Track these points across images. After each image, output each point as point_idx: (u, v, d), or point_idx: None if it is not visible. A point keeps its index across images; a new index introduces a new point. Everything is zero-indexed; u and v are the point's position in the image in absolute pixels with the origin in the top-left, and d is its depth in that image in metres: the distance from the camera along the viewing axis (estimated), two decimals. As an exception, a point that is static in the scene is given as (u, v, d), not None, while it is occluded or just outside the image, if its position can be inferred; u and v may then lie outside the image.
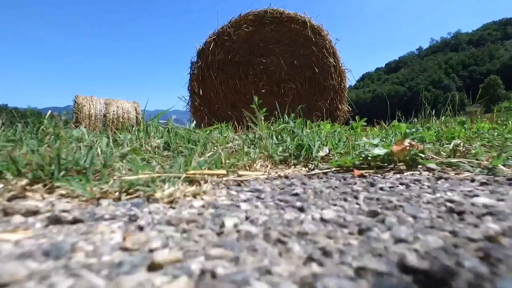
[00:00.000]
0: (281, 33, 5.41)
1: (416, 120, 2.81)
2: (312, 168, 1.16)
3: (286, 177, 1.01)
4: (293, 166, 1.22)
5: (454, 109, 2.73)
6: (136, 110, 7.00)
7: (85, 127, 1.53)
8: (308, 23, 5.31)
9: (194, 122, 1.77)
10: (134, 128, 1.57)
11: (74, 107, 6.38)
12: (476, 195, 0.67)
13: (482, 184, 0.80)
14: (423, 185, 0.82)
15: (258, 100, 1.69)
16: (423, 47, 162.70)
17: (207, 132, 1.60)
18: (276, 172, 1.10)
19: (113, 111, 6.72)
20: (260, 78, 5.57)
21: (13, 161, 0.77)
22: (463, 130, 1.92)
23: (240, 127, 2.34)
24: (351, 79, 5.66)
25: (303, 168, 1.17)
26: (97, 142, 1.11)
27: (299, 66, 5.52)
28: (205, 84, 5.46)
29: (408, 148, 1.11)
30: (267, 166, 1.18)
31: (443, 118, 2.65)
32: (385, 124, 2.74)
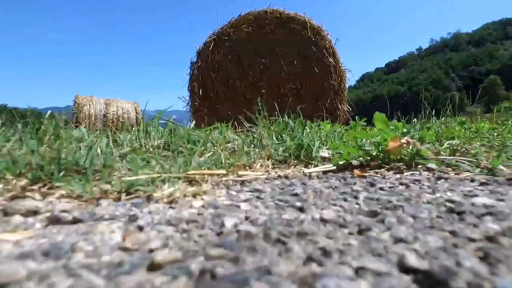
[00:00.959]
0: (281, 33, 5.40)
1: (416, 120, 2.81)
2: (312, 168, 1.16)
3: (286, 177, 1.01)
4: (293, 166, 1.22)
5: (454, 109, 2.73)
6: (136, 110, 7.01)
7: (85, 127, 1.53)
8: (308, 23, 5.31)
9: (194, 122, 1.77)
10: (134, 128, 1.57)
11: (74, 107, 6.39)
12: (476, 195, 0.67)
13: (482, 184, 0.80)
14: (423, 185, 0.82)
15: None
16: (423, 47, 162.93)
17: (207, 132, 1.60)
18: (276, 172, 1.10)
19: (113, 111, 6.72)
20: (260, 78, 5.57)
21: (13, 161, 0.77)
22: (463, 130, 1.92)
23: (240, 127, 2.34)
24: (351, 79, 5.67)
25: (303, 168, 1.17)
26: (97, 142, 1.11)
27: (299, 66, 5.52)
28: (205, 84, 5.46)
29: (404, 145, 1.10)
30: (267, 166, 1.18)
31: (443, 118, 2.65)
32: None
